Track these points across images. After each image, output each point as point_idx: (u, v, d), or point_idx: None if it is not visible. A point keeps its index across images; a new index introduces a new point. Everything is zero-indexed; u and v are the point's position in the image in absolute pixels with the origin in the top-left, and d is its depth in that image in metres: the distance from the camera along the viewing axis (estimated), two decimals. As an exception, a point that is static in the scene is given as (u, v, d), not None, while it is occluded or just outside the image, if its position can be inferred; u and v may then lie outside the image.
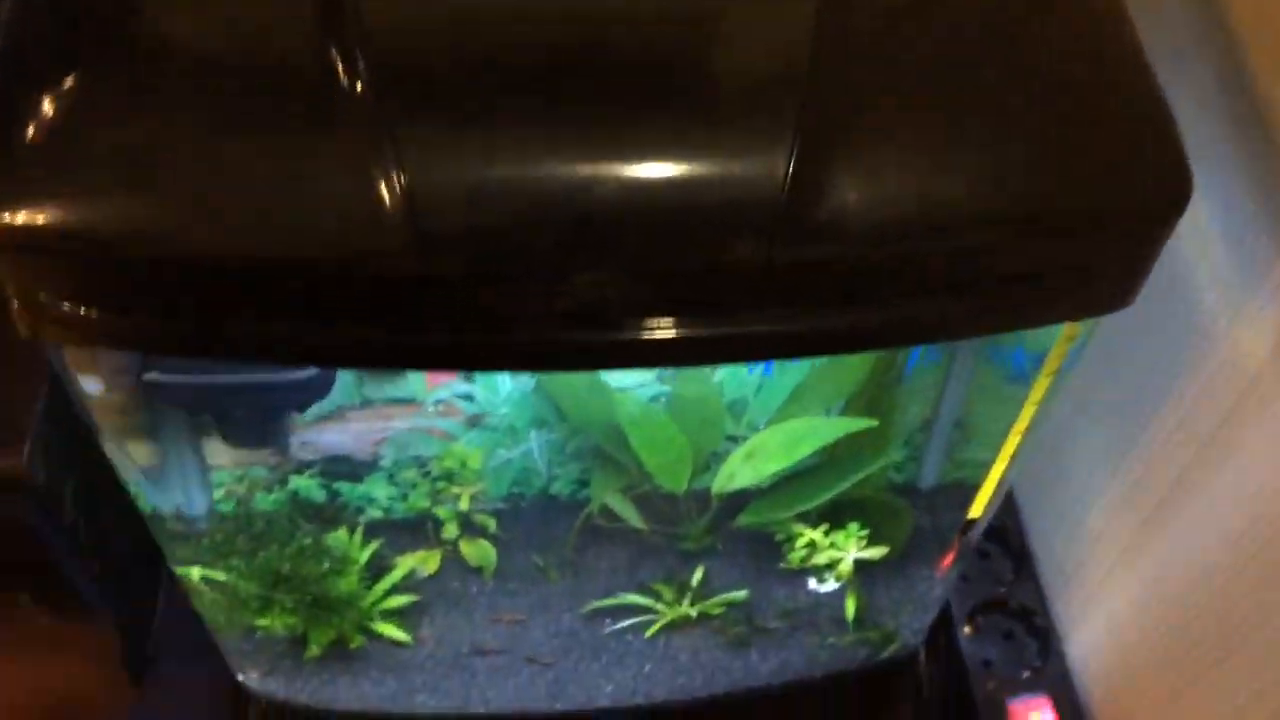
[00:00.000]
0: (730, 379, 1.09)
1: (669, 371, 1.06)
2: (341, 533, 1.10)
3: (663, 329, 0.72)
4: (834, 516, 1.10)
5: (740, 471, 1.03)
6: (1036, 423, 0.97)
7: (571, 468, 1.17)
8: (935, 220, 0.71)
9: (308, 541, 1.06)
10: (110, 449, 0.91)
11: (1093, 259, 0.76)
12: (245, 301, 0.69)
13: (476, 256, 0.66)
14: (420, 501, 1.14)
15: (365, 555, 1.13)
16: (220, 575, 1.06)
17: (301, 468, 1.12)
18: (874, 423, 1.00)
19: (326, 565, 1.06)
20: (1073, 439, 1.17)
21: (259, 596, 1.06)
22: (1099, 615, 1.14)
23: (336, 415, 1.11)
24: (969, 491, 1.11)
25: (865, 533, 1.09)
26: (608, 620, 1.17)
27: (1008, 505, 1.26)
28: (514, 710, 1.16)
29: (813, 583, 1.20)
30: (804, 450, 1.01)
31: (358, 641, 1.14)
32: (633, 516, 1.10)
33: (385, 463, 1.15)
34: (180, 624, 1.25)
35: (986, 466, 1.09)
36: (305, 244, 0.66)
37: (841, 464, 1.08)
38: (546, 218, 0.65)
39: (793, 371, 1.07)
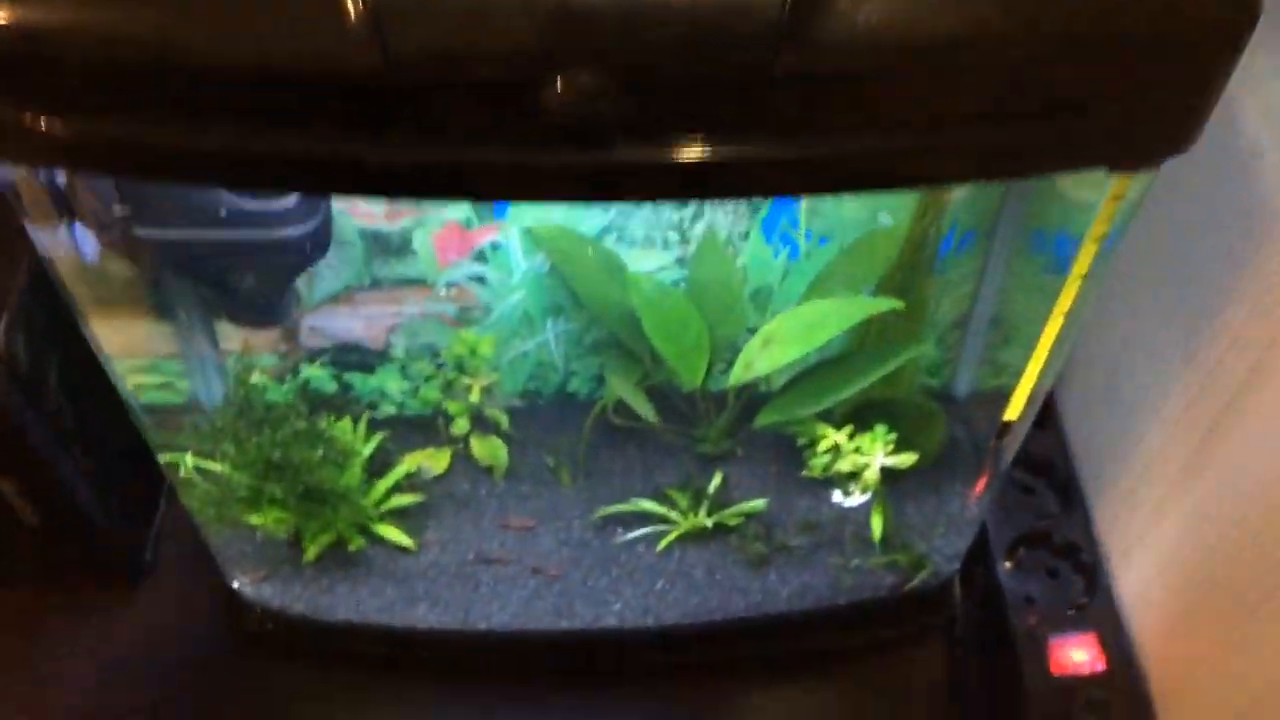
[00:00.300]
0: (755, 265, 1.04)
1: (687, 255, 1.01)
2: (345, 423, 1.06)
3: (657, 151, 0.66)
4: (860, 419, 1.04)
5: (758, 360, 0.97)
6: (1078, 310, 0.91)
7: (589, 362, 1.12)
8: (961, 31, 0.65)
9: (303, 426, 1.01)
10: (99, 331, 0.87)
11: (1146, 85, 0.70)
12: (214, 112, 0.64)
13: (448, 59, 0.61)
14: (432, 393, 1.10)
15: (369, 448, 1.08)
16: (213, 465, 1.02)
17: (312, 356, 1.08)
18: (899, 303, 0.95)
19: (322, 453, 1.01)
20: (1124, 358, 1.11)
21: (252, 488, 1.02)
22: (1150, 549, 1.07)
23: (345, 298, 1.07)
24: (1006, 399, 1.05)
25: (893, 437, 1.03)
26: (619, 529, 1.12)
27: (1055, 437, 1.19)
28: (517, 628, 1.10)
29: (837, 495, 1.14)
30: (825, 335, 0.95)
31: (357, 543, 1.09)
32: (647, 412, 1.05)
33: (397, 352, 1.11)
34: (181, 532, 1.22)
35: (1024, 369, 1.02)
36: (272, 50, 0.61)
37: (868, 357, 1.02)
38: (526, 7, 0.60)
39: (819, 256, 1.02)
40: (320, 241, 0.89)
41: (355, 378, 1.11)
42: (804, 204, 0.99)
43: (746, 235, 1.02)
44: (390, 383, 1.14)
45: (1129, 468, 1.09)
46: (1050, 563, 1.15)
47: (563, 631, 1.11)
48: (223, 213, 0.80)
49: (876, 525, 1.08)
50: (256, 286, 0.96)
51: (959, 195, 0.99)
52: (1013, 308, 1.04)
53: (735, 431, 1.13)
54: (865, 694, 1.16)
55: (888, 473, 1.05)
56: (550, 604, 1.11)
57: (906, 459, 1.03)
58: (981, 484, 1.08)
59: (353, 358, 1.11)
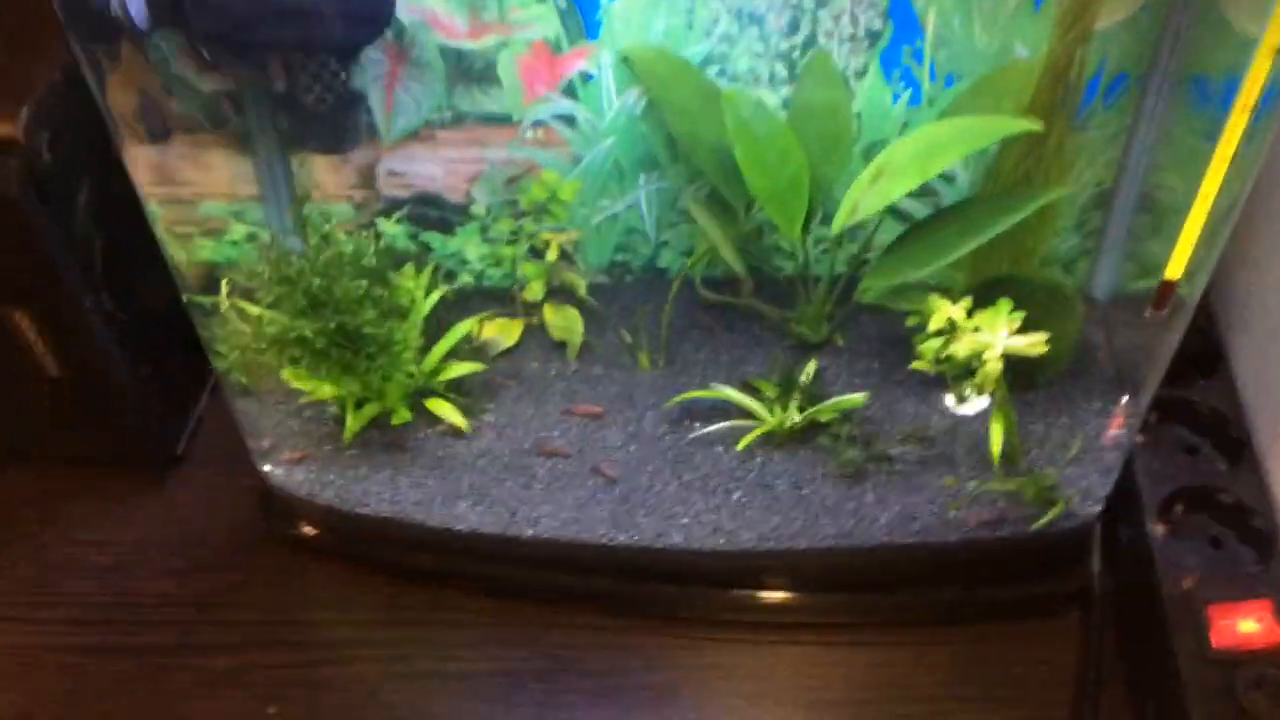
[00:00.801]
0: (870, 111, 0.93)
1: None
2: (408, 270, 0.97)
3: None
4: (981, 300, 0.89)
5: (867, 196, 0.84)
6: (1247, 157, 0.76)
7: (682, 231, 1.01)
8: None
9: (357, 259, 0.91)
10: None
11: None
12: None
13: None
14: (507, 250, 0.99)
15: (430, 302, 0.98)
16: (251, 309, 0.92)
17: (389, 210, 1.00)
18: (1037, 125, 0.81)
19: (374, 296, 0.91)
20: None
21: (291, 328, 0.91)
22: None
23: (425, 135, 1.00)
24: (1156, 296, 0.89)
25: (1020, 315, 0.87)
26: (695, 425, 0.98)
27: (1224, 387, 1.01)
28: (568, 537, 0.95)
29: (950, 400, 0.97)
30: (946, 160, 0.81)
31: (402, 416, 0.98)
32: (739, 266, 0.92)
33: (478, 209, 1.02)
34: (219, 431, 1.12)
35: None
36: None
37: (992, 205, 0.88)
38: None
39: (944, 101, 0.91)
40: (385, 6, 0.81)
41: (434, 238, 1.03)
42: (930, 30, 0.89)
43: (864, 72, 0.92)
44: (470, 246, 1.05)
45: None
46: (1214, 529, 0.95)
47: (619, 548, 0.95)
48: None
49: (996, 437, 0.91)
50: (318, 73, 0.89)
51: (1108, 24, 0.87)
52: (1166, 185, 0.90)
53: (835, 314, 0.99)
54: (976, 663, 0.96)
55: (1013, 370, 0.89)
56: (608, 511, 0.96)
57: (1036, 342, 0.87)
58: (1125, 402, 0.91)
59: (431, 212, 1.03)
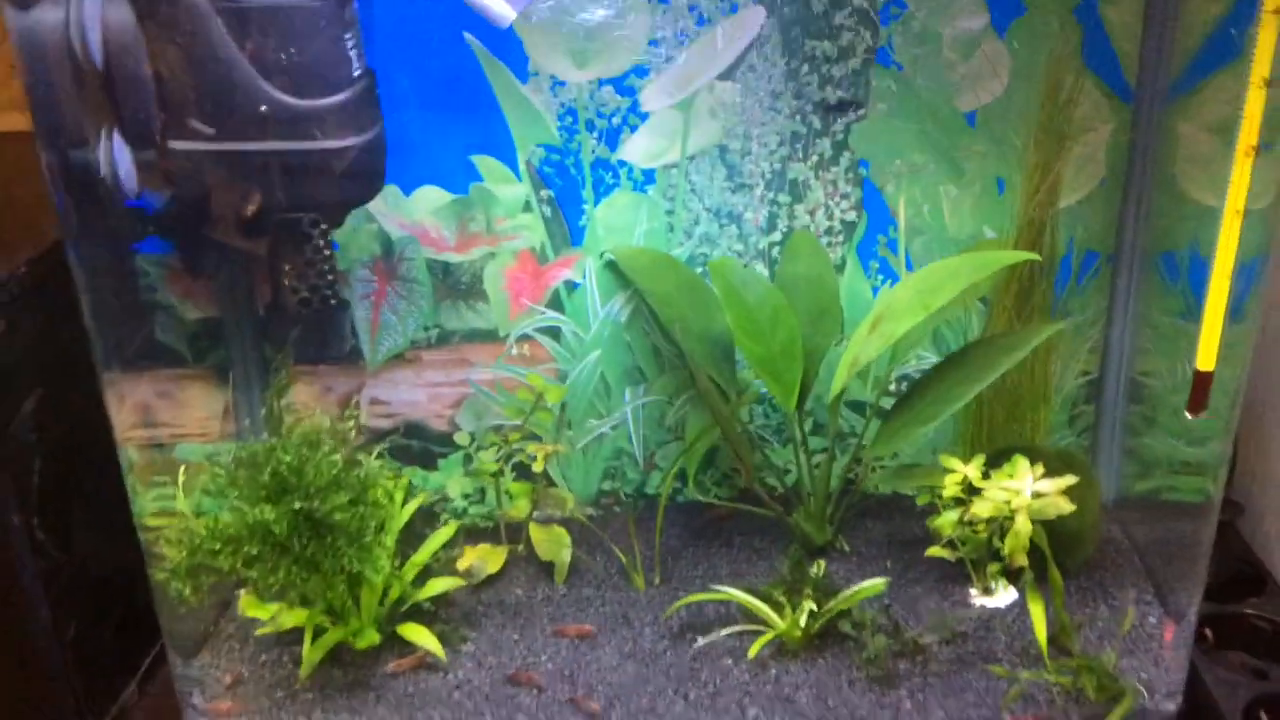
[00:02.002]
0: (850, 299, 0.93)
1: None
2: (376, 467, 0.90)
3: None
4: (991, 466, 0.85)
5: (867, 346, 0.82)
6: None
7: (670, 450, 0.96)
8: None
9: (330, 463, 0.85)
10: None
11: None
12: None
13: None
14: (490, 464, 0.94)
15: (409, 511, 0.91)
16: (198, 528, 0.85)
17: (371, 443, 0.96)
18: (1034, 256, 0.81)
19: (352, 488, 0.84)
20: None
21: (259, 530, 0.82)
22: None
23: (411, 357, 0.98)
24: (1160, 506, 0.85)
25: (1039, 469, 0.83)
26: (698, 638, 0.87)
27: (1273, 594, 0.94)
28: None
29: (975, 594, 0.88)
30: (944, 297, 0.80)
31: (369, 639, 0.86)
32: (741, 449, 0.87)
33: (462, 438, 0.98)
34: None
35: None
36: None
37: (988, 352, 0.86)
38: None
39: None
40: (373, 163, 0.84)
41: (416, 474, 0.98)
42: (903, 219, 0.92)
43: (842, 265, 0.94)
44: (452, 484, 0.99)
45: None
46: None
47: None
48: (263, 109, 0.78)
49: (1039, 618, 0.82)
50: (303, 272, 0.88)
51: (1069, 201, 0.91)
52: (1152, 370, 0.89)
53: (837, 516, 0.92)
54: None
55: (1040, 560, 0.81)
56: (605, 736, 0.83)
57: (1062, 486, 0.81)
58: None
59: (414, 444, 0.98)
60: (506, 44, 0.88)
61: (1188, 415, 0.74)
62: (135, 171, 0.80)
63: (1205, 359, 0.72)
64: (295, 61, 0.76)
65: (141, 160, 0.79)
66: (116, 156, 0.79)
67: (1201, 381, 0.72)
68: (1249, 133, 0.70)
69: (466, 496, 1.00)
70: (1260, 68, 0.67)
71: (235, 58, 0.76)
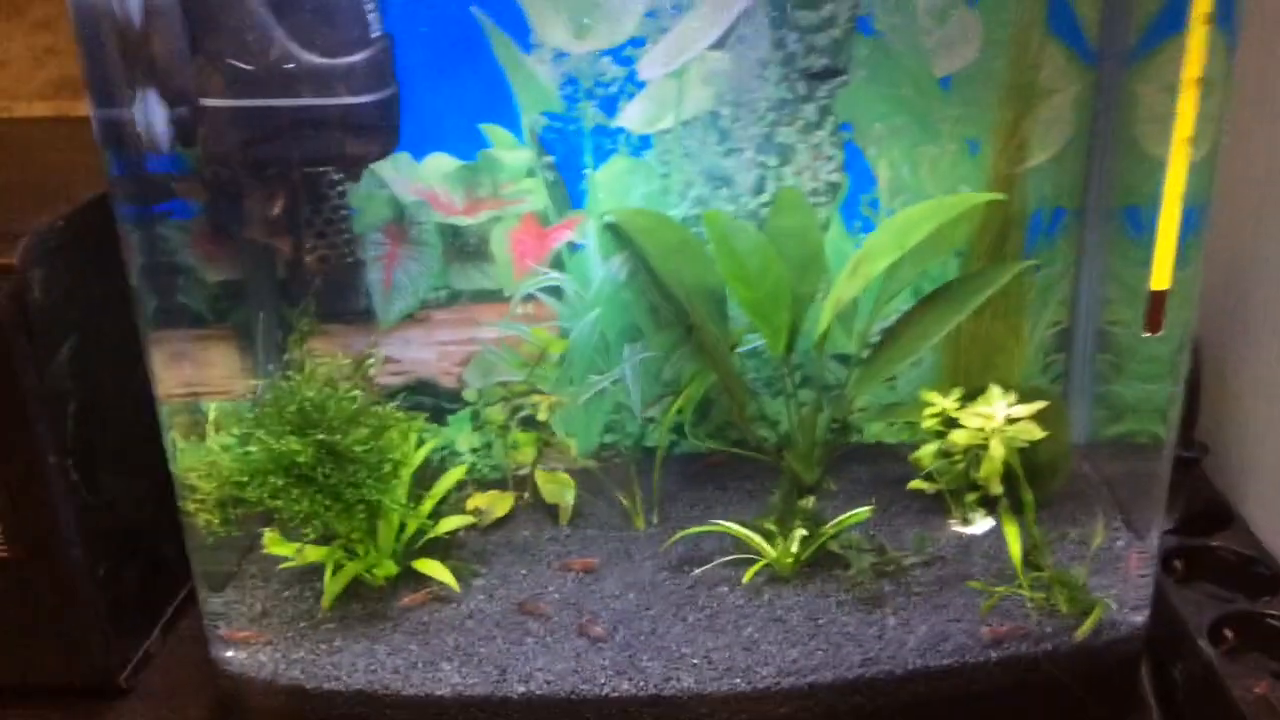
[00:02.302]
0: (835, 261, 0.99)
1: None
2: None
3: None
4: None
5: (849, 284, 0.89)
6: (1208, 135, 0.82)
7: (667, 403, 1.02)
8: None
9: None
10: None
11: None
12: None
13: None
14: (497, 415, 1.00)
15: (422, 454, 0.96)
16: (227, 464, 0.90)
17: (384, 399, 1.02)
18: (1000, 196, 0.88)
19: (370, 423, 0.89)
20: None
21: (283, 463, 0.88)
22: None
23: (421, 317, 1.03)
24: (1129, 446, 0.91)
25: (1012, 397, 0.89)
26: (696, 570, 0.92)
27: (1243, 537, 0.99)
28: (565, 693, 0.85)
29: (955, 524, 0.94)
30: (919, 234, 0.87)
31: (387, 569, 0.91)
32: (735, 386, 0.92)
33: (469, 394, 1.03)
34: (166, 662, 1.02)
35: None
36: None
37: (961, 290, 0.92)
38: None
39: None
40: (389, 120, 0.89)
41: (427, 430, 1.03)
42: (884, 180, 0.98)
43: (826, 225, 1.00)
44: (460, 437, 1.04)
45: None
46: (1272, 649, 0.89)
47: (625, 697, 0.86)
48: (290, 66, 0.84)
49: (1013, 538, 0.87)
50: (323, 230, 0.94)
51: (1039, 160, 0.97)
52: (1119, 320, 0.96)
53: (826, 457, 0.98)
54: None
55: (1020, 479, 0.87)
56: (608, 659, 0.87)
57: (1033, 412, 0.87)
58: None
59: (425, 400, 1.04)
60: (511, 17, 0.95)
61: (1145, 334, 0.81)
62: (169, 129, 0.86)
63: (1159, 279, 0.79)
64: (320, 22, 0.83)
65: (175, 117, 0.86)
66: (151, 114, 0.85)
67: (1157, 300, 0.79)
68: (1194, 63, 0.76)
69: (474, 450, 1.05)
70: (1191, 70, 0.75)
71: (265, 19, 0.82)
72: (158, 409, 0.88)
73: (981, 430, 0.87)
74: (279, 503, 0.87)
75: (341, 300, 1.01)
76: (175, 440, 0.88)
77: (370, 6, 0.85)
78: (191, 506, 0.88)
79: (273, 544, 0.93)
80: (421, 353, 1.04)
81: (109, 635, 0.96)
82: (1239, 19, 0.74)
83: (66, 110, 1.21)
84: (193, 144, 0.87)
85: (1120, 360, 1.00)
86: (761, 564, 0.91)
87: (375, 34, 0.85)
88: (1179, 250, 0.78)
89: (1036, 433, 0.87)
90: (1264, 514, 0.99)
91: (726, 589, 0.91)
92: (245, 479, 0.87)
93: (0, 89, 1.20)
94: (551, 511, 1.00)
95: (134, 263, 0.85)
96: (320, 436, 0.86)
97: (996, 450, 0.86)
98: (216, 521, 0.88)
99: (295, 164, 0.91)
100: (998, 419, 0.87)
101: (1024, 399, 0.90)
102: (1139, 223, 0.96)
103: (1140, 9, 0.91)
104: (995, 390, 0.88)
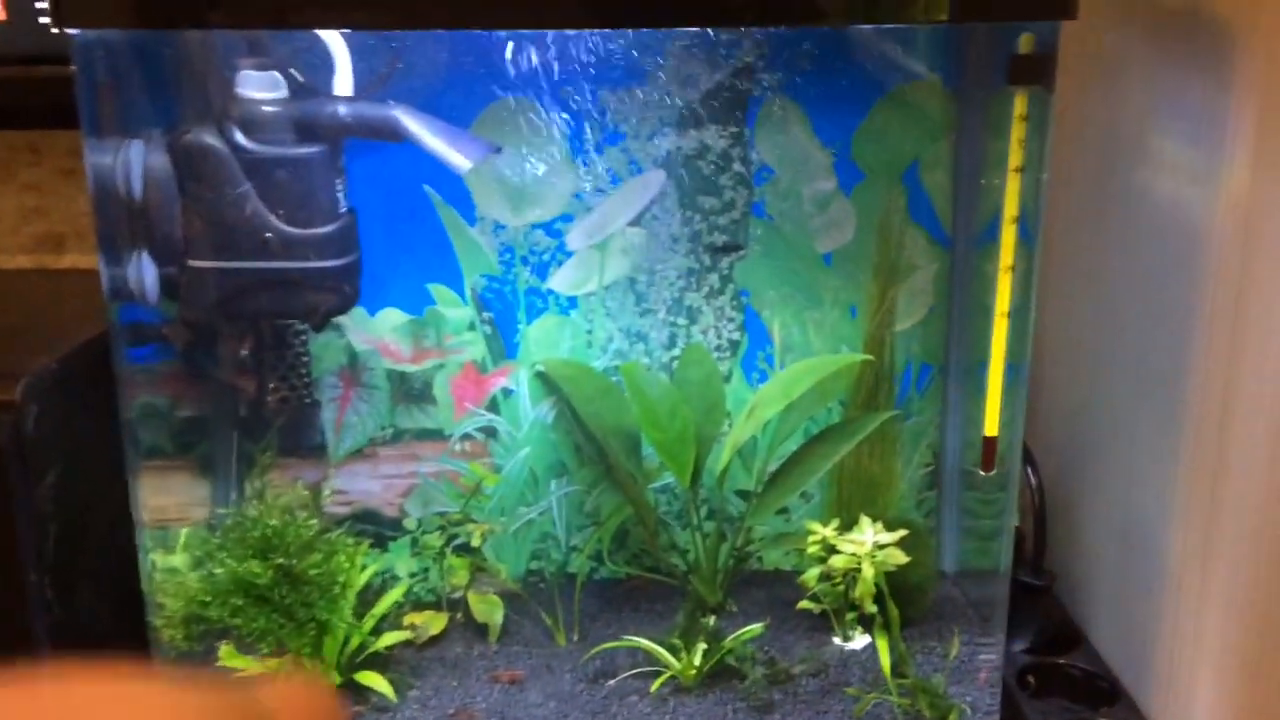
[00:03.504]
0: (736, 410, 1.14)
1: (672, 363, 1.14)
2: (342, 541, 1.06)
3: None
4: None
5: (745, 428, 1.04)
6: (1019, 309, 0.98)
7: (589, 534, 1.15)
8: None
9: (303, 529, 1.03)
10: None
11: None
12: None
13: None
14: (433, 541, 1.12)
15: (366, 576, 1.07)
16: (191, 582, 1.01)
17: (330, 527, 1.13)
18: (869, 357, 1.05)
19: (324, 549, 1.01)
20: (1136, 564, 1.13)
21: (244, 584, 0.99)
22: (1205, 710, 0.99)
23: (369, 453, 1.16)
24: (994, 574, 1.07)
25: (880, 526, 1.03)
26: (610, 682, 1.03)
27: (1086, 649, 1.13)
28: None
29: (837, 641, 1.07)
30: (802, 387, 1.03)
31: (331, 679, 1.01)
32: (646, 515, 1.05)
33: (409, 523, 1.15)
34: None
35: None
36: None
37: (840, 433, 1.07)
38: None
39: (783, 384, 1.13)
40: (351, 281, 1.03)
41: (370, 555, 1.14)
42: (778, 338, 1.14)
43: (729, 377, 1.15)
44: (400, 562, 1.16)
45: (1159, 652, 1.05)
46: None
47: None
48: (268, 237, 0.98)
49: (883, 648, 1.01)
50: (285, 374, 1.08)
51: (906, 325, 1.14)
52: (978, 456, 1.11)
53: (727, 582, 1.11)
54: None
55: (888, 599, 1.01)
56: (534, 769, 0.98)
57: (897, 538, 1.01)
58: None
59: (368, 527, 1.15)
60: (457, 193, 1.11)
61: (981, 472, 0.97)
62: (157, 285, 0.99)
63: (990, 426, 0.95)
64: (296, 199, 0.97)
65: (163, 275, 0.99)
66: (144, 272, 0.98)
67: (989, 444, 0.95)
68: (1006, 256, 0.95)
69: (413, 575, 1.16)
70: (1005, 259, 0.93)
71: (248, 194, 0.96)
72: (137, 533, 0.99)
73: (855, 555, 1.01)
74: (238, 620, 0.98)
75: (298, 436, 1.13)
76: (155, 561, 0.99)
77: (339, 185, 1.00)
78: (159, 623, 0.98)
79: (228, 657, 1.03)
80: (367, 484, 1.16)
81: None
82: (1034, 224, 0.92)
83: (48, 264, 1.33)
84: (176, 298, 1.00)
85: (980, 496, 1.15)
86: (667, 675, 1.03)
87: (343, 209, 1.00)
88: (1004, 401, 0.95)
89: (901, 557, 1.01)
90: (1104, 636, 1.14)
91: (636, 698, 1.03)
92: (208, 599, 0.98)
93: (-12, 242, 1.33)
94: (482, 630, 1.11)
95: (127, 400, 0.97)
96: (280, 561, 0.97)
97: (868, 572, 1.00)
98: (180, 637, 0.98)
99: (266, 316, 1.06)
100: (868, 545, 1.01)
101: (893, 529, 1.04)
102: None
103: (982, 207, 1.10)
104: (865, 521, 1.03)
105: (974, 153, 1.11)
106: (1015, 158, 0.90)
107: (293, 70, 0.97)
